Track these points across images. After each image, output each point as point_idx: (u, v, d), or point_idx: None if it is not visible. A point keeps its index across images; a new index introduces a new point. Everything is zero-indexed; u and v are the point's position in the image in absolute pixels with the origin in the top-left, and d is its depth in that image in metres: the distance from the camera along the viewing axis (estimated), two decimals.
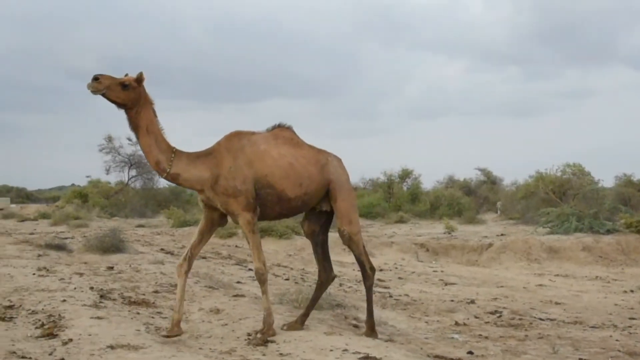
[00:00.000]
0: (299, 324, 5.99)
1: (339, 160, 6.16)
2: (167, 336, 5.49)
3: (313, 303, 6.18)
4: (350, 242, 5.95)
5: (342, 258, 14.36)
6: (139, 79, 5.25)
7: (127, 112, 5.30)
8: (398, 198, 32.18)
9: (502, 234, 18.89)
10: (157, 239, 18.39)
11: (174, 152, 5.44)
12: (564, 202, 22.16)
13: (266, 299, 5.60)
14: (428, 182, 38.20)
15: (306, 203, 5.81)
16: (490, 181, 37.45)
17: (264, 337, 5.45)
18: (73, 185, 46.97)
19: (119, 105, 5.24)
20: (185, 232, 20.03)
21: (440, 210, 28.78)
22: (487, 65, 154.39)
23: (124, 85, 5.15)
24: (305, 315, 6.09)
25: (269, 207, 5.63)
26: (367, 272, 6.02)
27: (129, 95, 5.19)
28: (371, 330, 5.97)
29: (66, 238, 15.61)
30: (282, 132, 5.91)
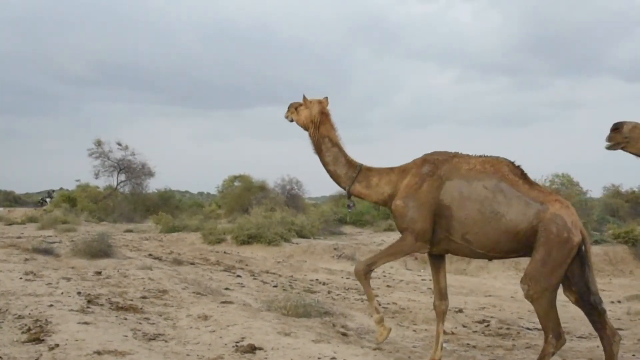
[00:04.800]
0: None
1: None
2: None
3: None
4: None
5: (330, 265, 14.36)
6: None
7: None
8: None
9: None
10: (146, 244, 18.33)
11: None
12: None
13: None
14: None
15: None
16: None
17: None
18: (61, 189, 46.77)
19: None
20: (174, 238, 20.00)
21: None
22: (477, 75, 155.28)
23: None
24: None
25: None
26: None
27: None
28: None
29: (54, 242, 15.53)
30: None
